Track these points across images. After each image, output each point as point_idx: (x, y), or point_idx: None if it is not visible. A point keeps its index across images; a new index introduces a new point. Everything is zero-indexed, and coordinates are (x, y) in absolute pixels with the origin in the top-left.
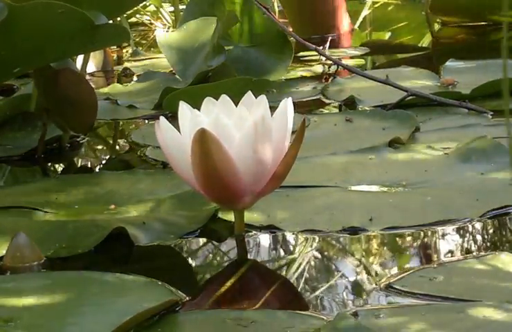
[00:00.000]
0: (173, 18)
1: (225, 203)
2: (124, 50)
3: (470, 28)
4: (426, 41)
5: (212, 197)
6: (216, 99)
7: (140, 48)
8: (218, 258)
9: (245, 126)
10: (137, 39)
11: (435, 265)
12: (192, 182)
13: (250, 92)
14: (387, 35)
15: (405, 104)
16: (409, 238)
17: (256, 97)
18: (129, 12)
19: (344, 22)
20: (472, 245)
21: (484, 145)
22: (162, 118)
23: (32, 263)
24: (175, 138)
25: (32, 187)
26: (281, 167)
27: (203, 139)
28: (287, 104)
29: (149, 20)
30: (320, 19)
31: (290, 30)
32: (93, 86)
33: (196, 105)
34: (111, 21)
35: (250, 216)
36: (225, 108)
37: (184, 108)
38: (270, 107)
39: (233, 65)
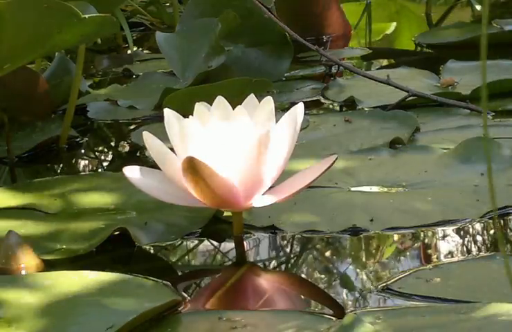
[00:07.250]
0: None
1: (222, 207)
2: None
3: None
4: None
5: (209, 205)
6: None
7: (140, 49)
8: (218, 258)
9: (246, 143)
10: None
11: (431, 267)
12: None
13: (252, 95)
14: (386, 35)
15: (405, 105)
16: (409, 239)
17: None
18: (128, 13)
19: (343, 23)
20: (472, 245)
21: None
22: (145, 134)
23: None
24: (164, 153)
25: (32, 188)
26: (291, 194)
27: (193, 167)
28: (297, 112)
29: (149, 21)
30: (318, 20)
31: None
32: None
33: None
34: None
35: (251, 217)
36: (221, 113)
37: (170, 117)
38: None
39: (233, 65)
